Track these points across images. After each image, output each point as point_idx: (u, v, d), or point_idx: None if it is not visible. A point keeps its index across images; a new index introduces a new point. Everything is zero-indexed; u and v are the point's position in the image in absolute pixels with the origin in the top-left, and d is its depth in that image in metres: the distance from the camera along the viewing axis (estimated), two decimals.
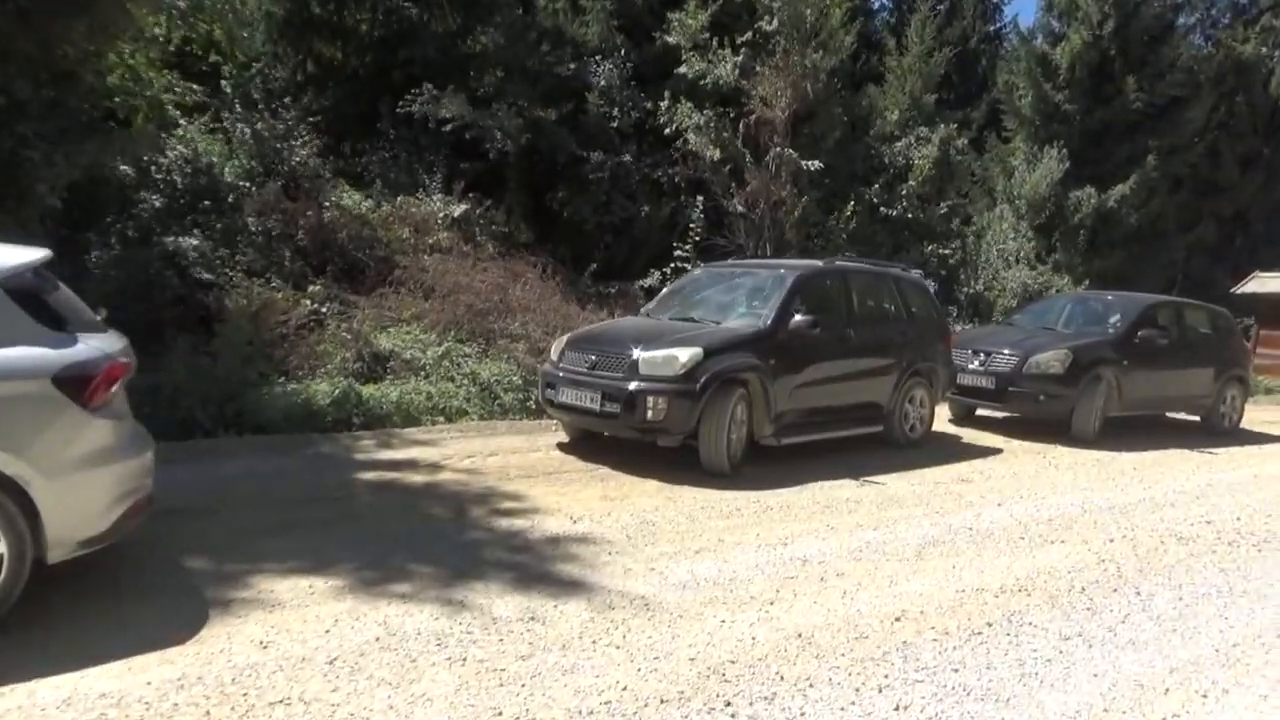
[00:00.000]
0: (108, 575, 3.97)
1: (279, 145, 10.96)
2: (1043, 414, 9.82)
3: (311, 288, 9.53)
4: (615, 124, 13.90)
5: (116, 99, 9.17)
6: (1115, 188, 20.44)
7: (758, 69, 13.32)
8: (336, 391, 7.66)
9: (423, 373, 8.62)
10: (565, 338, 7.57)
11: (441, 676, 3.30)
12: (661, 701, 3.24)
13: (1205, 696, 3.61)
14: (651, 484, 6.41)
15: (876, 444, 8.32)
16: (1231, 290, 20.98)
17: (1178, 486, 7.80)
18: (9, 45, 6.76)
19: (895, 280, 8.81)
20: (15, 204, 7.11)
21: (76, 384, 3.46)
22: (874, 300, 8.55)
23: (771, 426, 7.13)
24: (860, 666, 3.63)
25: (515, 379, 8.80)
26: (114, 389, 3.64)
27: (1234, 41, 23.63)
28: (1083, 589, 4.78)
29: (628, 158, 13.74)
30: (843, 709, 3.28)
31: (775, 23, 13.28)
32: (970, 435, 9.67)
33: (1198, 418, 11.42)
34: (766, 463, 7.11)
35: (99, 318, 3.96)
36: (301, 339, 8.65)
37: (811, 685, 3.44)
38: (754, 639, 3.82)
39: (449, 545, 4.81)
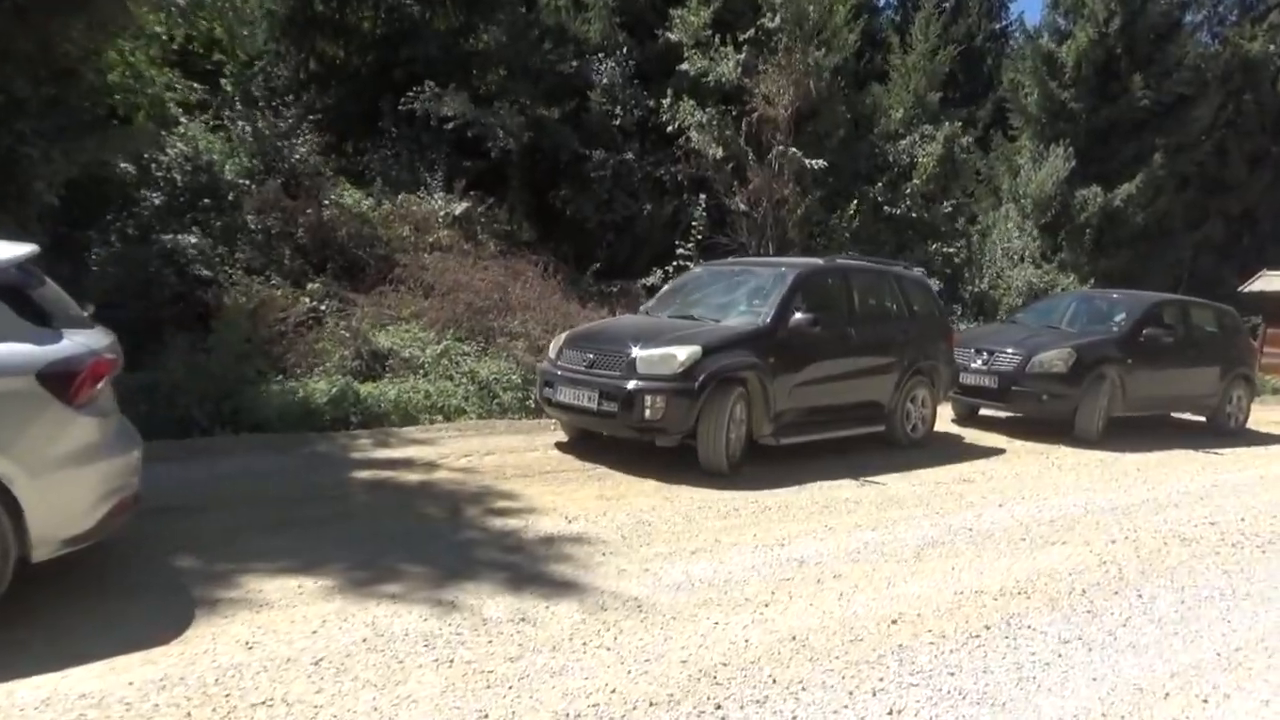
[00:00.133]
0: (94, 574, 3.94)
1: (280, 143, 10.93)
2: (1046, 414, 9.74)
3: (311, 285, 9.50)
4: (618, 122, 13.85)
5: (117, 96, 9.17)
6: (1121, 186, 20.31)
7: (760, 67, 13.26)
8: (334, 390, 7.63)
9: (421, 371, 8.58)
10: (563, 336, 7.53)
11: (428, 678, 3.26)
12: (651, 704, 3.19)
13: (1206, 701, 3.55)
14: (649, 484, 6.36)
15: (878, 444, 8.25)
16: (1239, 289, 20.85)
17: (1182, 487, 7.72)
18: (7, 43, 6.73)
19: (897, 278, 8.74)
20: (14, 201, 7.09)
21: (61, 381, 3.42)
22: (875, 298, 8.49)
23: (771, 426, 7.07)
24: (854, 669, 3.57)
25: (514, 378, 8.75)
26: (100, 386, 3.60)
27: (1241, 39, 23.46)
28: (1083, 591, 4.72)
29: (630, 156, 13.69)
30: (835, 713, 3.23)
31: (777, 20, 13.21)
32: (973, 435, 9.60)
33: (1203, 418, 11.33)
34: (766, 462, 7.05)
35: (86, 314, 3.92)
36: (300, 337, 8.62)
37: (804, 688, 3.39)
38: (747, 641, 3.77)
39: (442, 545, 4.76)
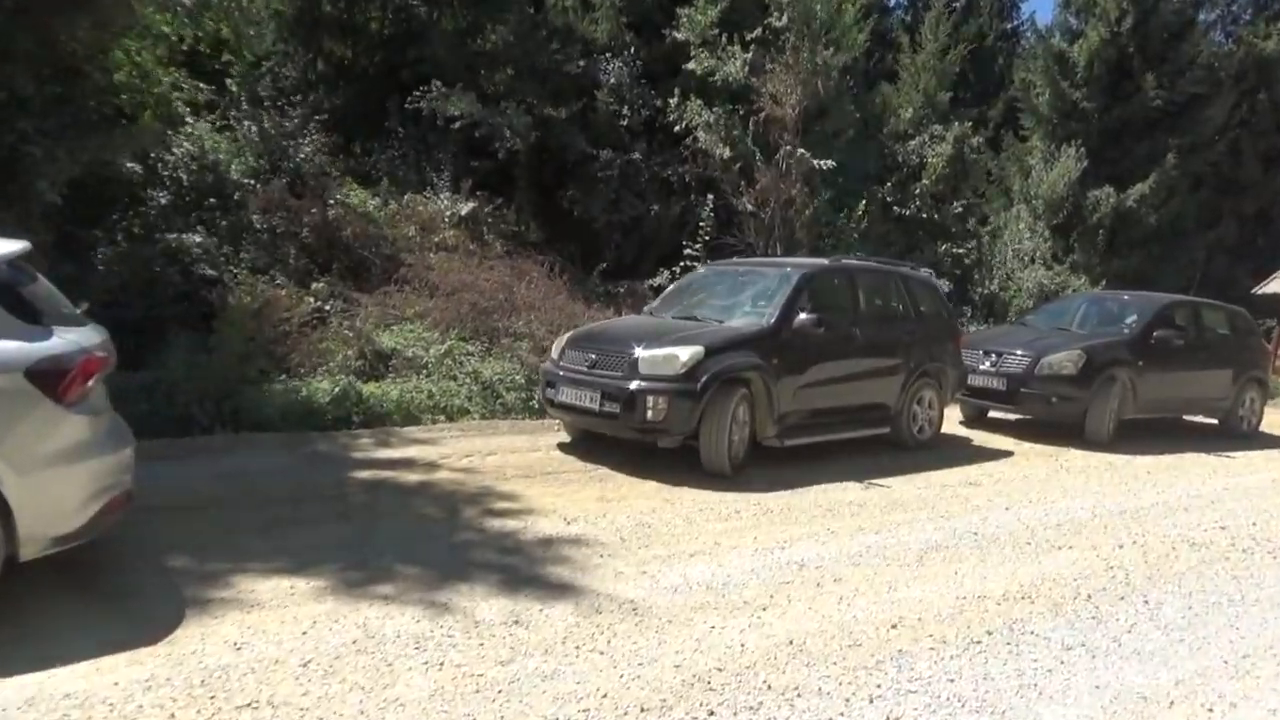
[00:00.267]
0: (85, 573, 3.91)
1: (285, 143, 10.93)
2: (1055, 416, 9.64)
3: (315, 285, 9.49)
4: (625, 122, 13.78)
5: (124, 96, 9.18)
6: (1134, 187, 20.13)
7: (768, 66, 13.17)
8: (336, 389, 7.60)
9: (425, 371, 8.54)
10: (566, 336, 7.48)
11: (417, 681, 3.21)
12: (642, 710, 3.13)
13: (1211, 710, 3.47)
14: (650, 485, 6.31)
15: (884, 446, 8.17)
16: (1252, 290, 20.59)
17: (1193, 491, 7.61)
18: (9, 41, 6.73)
19: (903, 279, 8.65)
20: (16, 200, 7.08)
21: (50, 378, 3.39)
22: (881, 299, 8.41)
23: (775, 427, 7.00)
24: (852, 676, 3.51)
25: (518, 378, 8.72)
26: (90, 383, 3.57)
27: (1255, 38, 23.23)
28: (1089, 597, 4.64)
29: (637, 156, 13.63)
30: (830, 719, 3.17)
31: (785, 19, 13.12)
32: (981, 437, 9.50)
33: (1216, 420, 11.20)
34: (770, 464, 6.99)
35: (79, 311, 3.90)
36: (304, 336, 8.60)
37: (800, 695, 3.33)
38: (743, 646, 3.71)
39: (438, 546, 4.72)
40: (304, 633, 3.53)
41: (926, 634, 3.98)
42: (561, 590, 4.20)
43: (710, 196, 13.08)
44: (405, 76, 13.25)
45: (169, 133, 9.89)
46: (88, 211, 9.19)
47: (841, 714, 3.21)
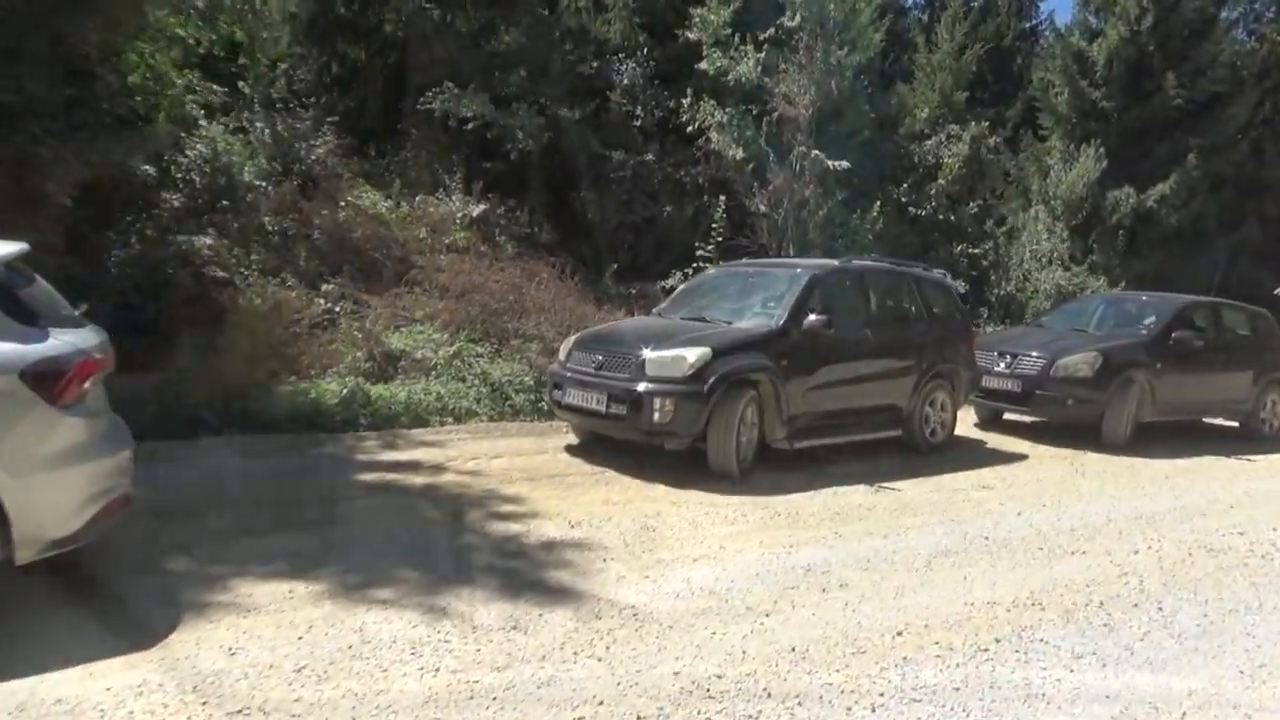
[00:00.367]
0: (84, 576, 3.90)
1: (297, 145, 10.96)
2: (1071, 419, 9.49)
3: (325, 287, 9.50)
4: (638, 123, 13.75)
5: (137, 98, 9.22)
6: (1155, 187, 19.84)
7: (781, 66, 13.10)
8: (344, 391, 7.60)
9: (433, 373, 8.52)
10: (573, 337, 7.45)
11: (411, 687, 3.18)
12: (638, 718, 3.08)
13: None
14: (658, 488, 6.25)
15: (896, 448, 8.06)
16: (1275, 291, 20.27)
17: (1211, 495, 7.47)
18: (20, 43, 6.76)
19: (916, 280, 8.55)
20: (26, 202, 7.11)
21: (46, 380, 3.38)
22: (893, 300, 8.32)
23: (784, 429, 6.93)
24: (854, 684, 3.44)
25: (527, 380, 8.68)
26: (86, 385, 3.55)
27: (1278, 36, 22.89)
28: (1101, 603, 4.54)
29: (650, 157, 13.59)
30: None
31: (797, 19, 13.03)
32: (995, 440, 9.37)
33: (1236, 423, 11.01)
34: (779, 467, 6.91)
35: (78, 313, 3.89)
36: (314, 338, 8.61)
37: (800, 703, 3.27)
38: (744, 652, 3.65)
39: (440, 549, 4.70)
40: (300, 637, 3.50)
41: (933, 641, 3.90)
42: (562, 595, 4.15)
43: (723, 197, 13.00)
44: (418, 78, 13.28)
45: (182, 135, 9.93)
46: (101, 214, 9.24)
47: None
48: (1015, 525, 5.98)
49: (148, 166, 9.56)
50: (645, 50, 14.14)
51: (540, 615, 3.89)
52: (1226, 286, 20.38)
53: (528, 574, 4.41)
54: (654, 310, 8.55)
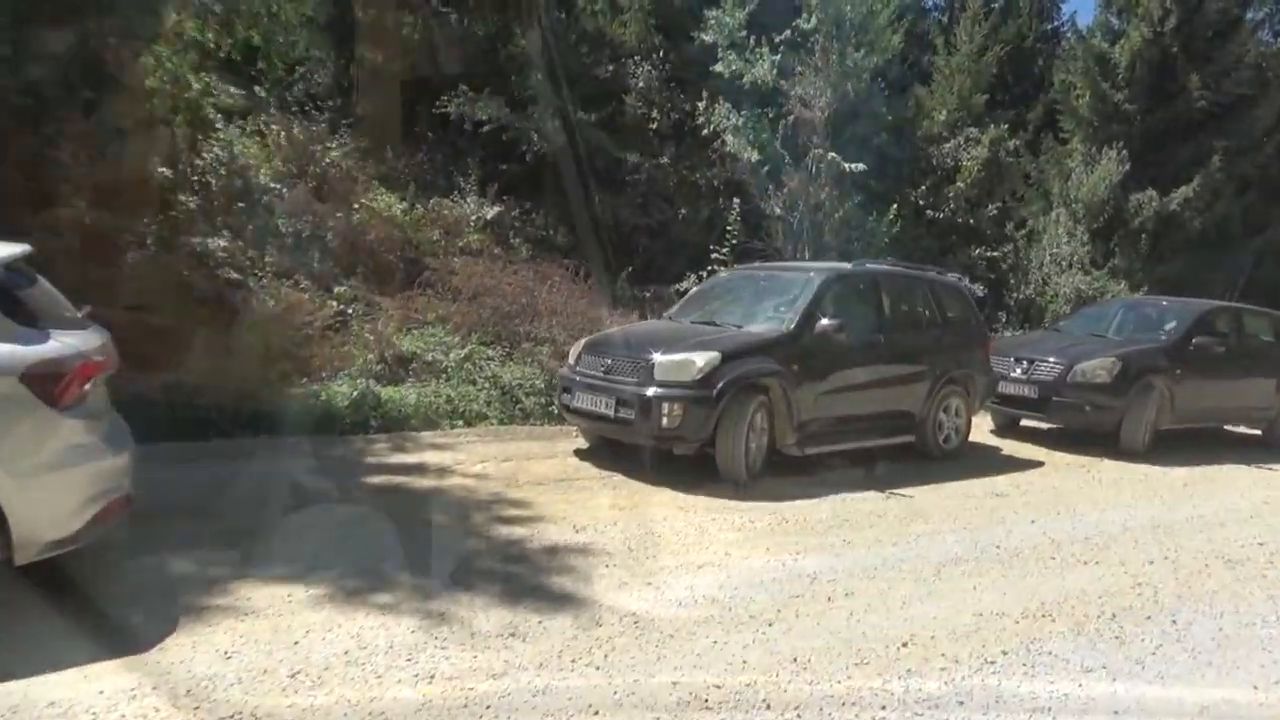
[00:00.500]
0: (83, 578, 3.89)
1: (313, 148, 11.00)
2: (1089, 425, 9.36)
3: (338, 289, 9.51)
4: (654, 126, 13.73)
5: (155, 101, 9.29)
6: (1178, 190, 19.55)
7: (797, 69, 13.03)
8: (355, 393, 7.60)
9: (444, 375, 8.52)
10: (583, 341, 7.42)
11: (405, 695, 3.15)
12: None
13: None
14: (665, 493, 6.21)
15: (909, 455, 7.98)
16: None
17: (1230, 504, 7.33)
18: (35, 46, 6.82)
19: (930, 284, 8.47)
20: (44, 203, 7.18)
21: (45, 382, 3.38)
22: (907, 304, 8.24)
23: (794, 435, 6.87)
24: (856, 696, 3.39)
25: (538, 383, 8.67)
26: (87, 387, 3.56)
27: None
28: (1113, 615, 4.45)
29: (665, 160, 13.56)
30: None
31: (813, 21, 12.95)
32: (1011, 447, 9.25)
33: (1258, 432, 10.82)
34: (789, 473, 6.86)
35: (80, 314, 3.89)
36: (326, 340, 8.62)
37: (799, 715, 3.21)
38: (745, 662, 3.60)
39: (442, 553, 4.67)
40: (296, 642, 3.48)
41: (938, 653, 3.84)
42: (563, 601, 4.12)
43: (738, 200, 12.94)
44: (435, 82, 13.32)
45: (199, 138, 10.00)
46: (118, 216, 9.31)
47: None
48: (1028, 533, 5.89)
49: (164, 169, 9.65)
50: (661, 53, 14.11)
51: (540, 622, 3.85)
52: (1250, 291, 20.05)
53: (529, 579, 4.38)
54: (665, 314, 8.51)
